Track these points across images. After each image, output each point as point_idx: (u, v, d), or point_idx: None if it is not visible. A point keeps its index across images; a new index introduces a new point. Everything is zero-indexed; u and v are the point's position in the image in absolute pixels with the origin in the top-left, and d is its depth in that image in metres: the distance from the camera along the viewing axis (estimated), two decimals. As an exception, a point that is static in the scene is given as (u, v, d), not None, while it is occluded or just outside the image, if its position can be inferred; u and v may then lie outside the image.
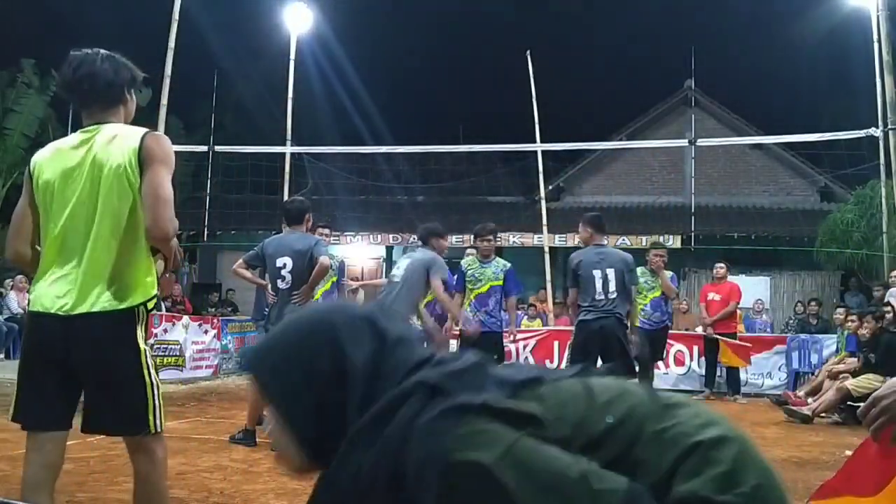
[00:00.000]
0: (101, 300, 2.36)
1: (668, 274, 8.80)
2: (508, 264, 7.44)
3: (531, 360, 11.56)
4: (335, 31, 20.50)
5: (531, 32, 34.62)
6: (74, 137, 2.49)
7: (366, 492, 1.05)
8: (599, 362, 5.86)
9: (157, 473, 2.48)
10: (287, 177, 12.79)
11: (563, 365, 6.05)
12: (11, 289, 12.82)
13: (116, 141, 2.41)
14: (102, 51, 2.53)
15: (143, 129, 2.47)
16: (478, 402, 1.06)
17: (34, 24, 23.64)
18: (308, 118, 18.94)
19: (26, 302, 10.42)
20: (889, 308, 8.46)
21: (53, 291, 2.39)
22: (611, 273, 5.79)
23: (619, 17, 37.63)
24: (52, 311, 2.37)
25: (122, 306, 2.38)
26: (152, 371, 2.45)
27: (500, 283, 7.20)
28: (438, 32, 34.55)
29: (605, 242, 6.11)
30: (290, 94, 12.93)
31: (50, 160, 2.50)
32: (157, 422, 2.43)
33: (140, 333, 2.44)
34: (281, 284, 5.56)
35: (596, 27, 37.12)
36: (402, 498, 1.03)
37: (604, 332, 5.74)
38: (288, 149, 12.23)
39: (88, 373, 2.41)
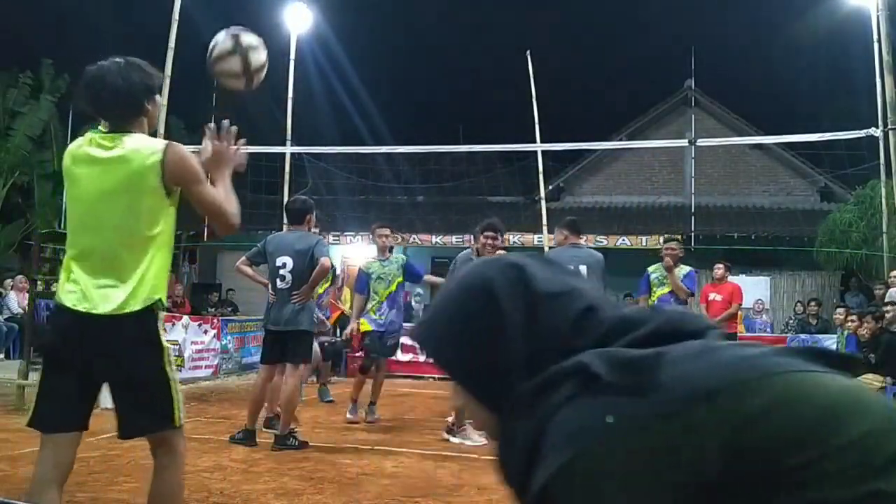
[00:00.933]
0: (119, 302, 2.41)
1: (684, 271, 7.93)
2: None
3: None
4: (335, 31, 20.53)
5: (531, 32, 34.64)
6: (91, 140, 2.53)
7: (517, 461, 0.97)
8: None
9: (176, 466, 2.54)
10: (287, 177, 12.78)
11: None
12: (11, 289, 12.81)
13: (136, 153, 2.46)
14: (119, 59, 2.56)
15: (162, 144, 2.51)
16: (637, 421, 0.89)
17: (35, 25, 23.65)
18: (308, 118, 18.96)
19: (26, 302, 10.43)
20: (890, 308, 8.45)
21: (72, 289, 2.46)
22: (583, 269, 5.80)
23: (619, 17, 37.69)
24: (70, 307, 2.43)
25: (140, 307, 2.43)
26: (173, 367, 2.52)
27: None
28: (438, 32, 34.58)
29: (581, 244, 6.17)
30: (290, 94, 12.93)
31: (71, 161, 2.57)
32: (180, 415, 2.51)
33: (161, 330, 2.49)
34: (280, 284, 5.51)
35: (596, 27, 37.16)
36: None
37: None
38: (288, 149, 12.21)
39: (114, 376, 2.47)
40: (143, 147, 2.47)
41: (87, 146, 2.53)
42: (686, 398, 0.89)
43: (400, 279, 7.00)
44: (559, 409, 0.93)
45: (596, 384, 0.92)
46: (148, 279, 2.45)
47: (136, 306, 2.42)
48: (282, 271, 5.50)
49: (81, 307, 2.41)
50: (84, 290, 2.43)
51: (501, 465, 1.03)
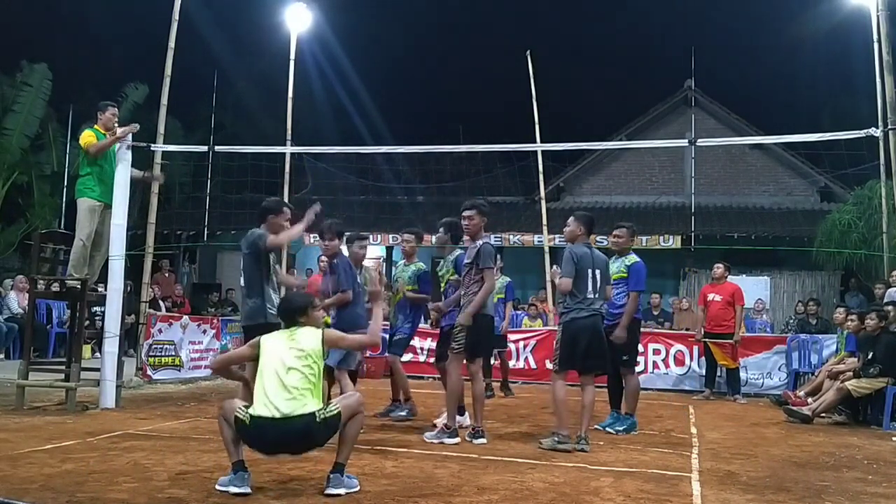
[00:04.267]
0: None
1: (631, 260, 7.00)
2: (508, 279, 9.65)
3: (531, 360, 11.57)
4: (335, 31, 20.52)
5: (531, 32, 34.63)
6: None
7: None
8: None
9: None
10: (287, 177, 12.77)
11: (555, 361, 6.01)
12: (11, 289, 12.79)
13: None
14: None
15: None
16: None
17: (34, 24, 23.64)
18: (308, 118, 18.94)
19: (26, 302, 10.43)
20: (890, 308, 8.43)
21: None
22: (598, 274, 6.01)
23: (619, 17, 37.66)
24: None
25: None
26: None
27: (503, 294, 9.36)
28: (438, 32, 34.56)
29: (591, 244, 6.20)
30: (290, 94, 12.91)
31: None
32: None
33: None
34: (241, 282, 5.82)
35: (596, 27, 37.14)
36: None
37: (595, 329, 5.96)
38: (288, 149, 12.18)
39: None
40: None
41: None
42: None
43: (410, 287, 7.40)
44: None
45: None
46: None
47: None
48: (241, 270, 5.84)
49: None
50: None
51: None
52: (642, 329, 8.60)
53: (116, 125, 7.62)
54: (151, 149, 9.21)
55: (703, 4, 35.35)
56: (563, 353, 5.90)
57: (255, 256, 5.70)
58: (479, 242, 6.06)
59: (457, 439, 5.78)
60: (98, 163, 7.49)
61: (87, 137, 7.49)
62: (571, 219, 6.23)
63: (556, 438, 5.66)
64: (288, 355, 4.02)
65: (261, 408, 3.90)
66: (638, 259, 7.04)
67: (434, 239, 7.37)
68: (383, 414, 7.22)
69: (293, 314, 4.26)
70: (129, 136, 7.57)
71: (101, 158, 7.51)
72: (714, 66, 29.27)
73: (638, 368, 8.93)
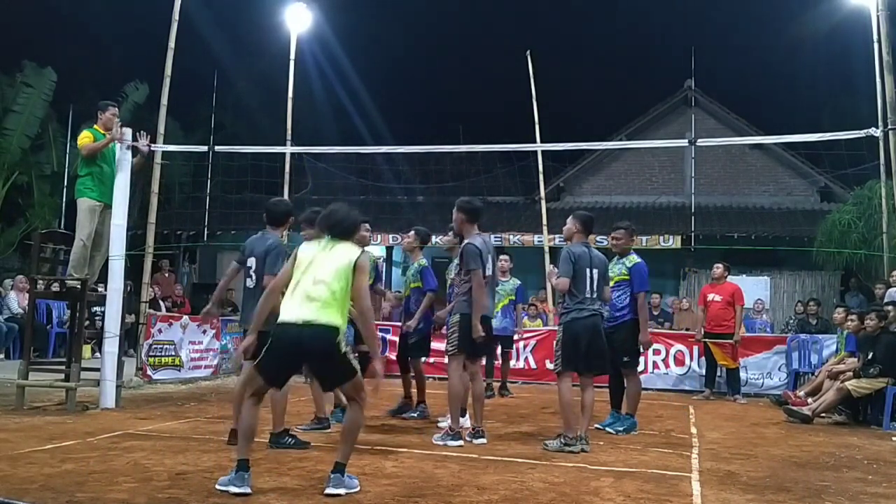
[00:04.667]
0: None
1: (632, 261, 6.99)
2: (519, 282, 9.77)
3: (531, 360, 11.57)
4: (335, 31, 20.53)
5: (531, 32, 34.63)
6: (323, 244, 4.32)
7: None
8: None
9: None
10: (287, 177, 12.78)
11: (557, 362, 5.97)
12: (11, 289, 12.79)
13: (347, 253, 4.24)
14: (346, 206, 4.39)
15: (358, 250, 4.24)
16: None
17: (34, 24, 23.63)
18: (308, 118, 18.95)
19: (26, 302, 10.43)
20: (890, 308, 8.43)
21: None
22: (595, 273, 6.02)
23: (619, 17, 37.69)
24: None
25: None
26: None
27: (514, 297, 9.61)
28: (438, 32, 34.55)
29: (589, 244, 6.20)
30: (290, 94, 12.91)
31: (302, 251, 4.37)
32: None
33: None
34: (249, 283, 5.76)
35: (596, 27, 37.15)
36: None
37: (595, 329, 5.96)
38: (288, 149, 12.17)
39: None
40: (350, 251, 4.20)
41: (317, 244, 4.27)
42: None
43: (415, 284, 7.38)
44: None
45: None
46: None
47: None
48: (250, 271, 5.73)
49: None
50: None
51: None
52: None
53: (118, 125, 7.61)
54: (151, 149, 9.21)
55: (703, 4, 35.39)
56: (564, 353, 5.88)
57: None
58: (465, 242, 6.07)
59: (460, 442, 5.75)
60: (98, 163, 7.48)
61: (84, 138, 7.48)
62: (570, 217, 6.28)
63: (563, 440, 5.64)
64: (321, 268, 4.08)
65: (283, 315, 4.03)
66: (639, 259, 7.05)
67: (443, 241, 7.41)
68: (394, 412, 7.32)
69: (347, 232, 4.26)
70: (129, 136, 7.56)
71: (101, 159, 7.50)
72: (714, 66, 29.34)
73: (638, 369, 8.95)
